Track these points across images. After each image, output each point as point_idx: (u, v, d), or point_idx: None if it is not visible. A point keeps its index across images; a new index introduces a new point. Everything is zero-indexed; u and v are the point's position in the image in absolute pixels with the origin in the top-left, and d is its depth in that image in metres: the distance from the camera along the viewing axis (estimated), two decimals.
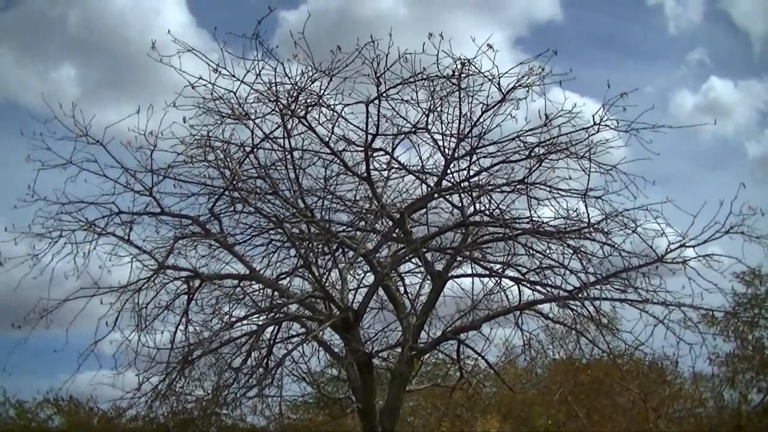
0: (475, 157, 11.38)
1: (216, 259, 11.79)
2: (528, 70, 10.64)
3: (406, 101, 11.17)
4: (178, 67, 9.95)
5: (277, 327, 11.59)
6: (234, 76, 10.32)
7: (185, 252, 11.49)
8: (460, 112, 11.22)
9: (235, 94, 10.54)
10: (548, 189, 11.10)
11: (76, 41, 45.18)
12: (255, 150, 10.98)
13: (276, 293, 11.30)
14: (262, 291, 11.69)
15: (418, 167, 11.87)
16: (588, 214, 10.69)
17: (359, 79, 10.48)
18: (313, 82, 10.54)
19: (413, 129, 11.41)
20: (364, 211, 12.15)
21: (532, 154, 10.98)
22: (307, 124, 10.85)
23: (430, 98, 11.20)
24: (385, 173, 12.03)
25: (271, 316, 11.11)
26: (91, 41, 42.89)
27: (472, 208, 11.23)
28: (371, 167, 11.29)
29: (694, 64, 48.94)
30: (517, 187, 11.16)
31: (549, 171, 11.01)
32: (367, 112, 10.68)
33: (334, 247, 11.59)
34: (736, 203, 9.86)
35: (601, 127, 10.62)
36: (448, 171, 11.48)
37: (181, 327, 10.97)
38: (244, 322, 10.84)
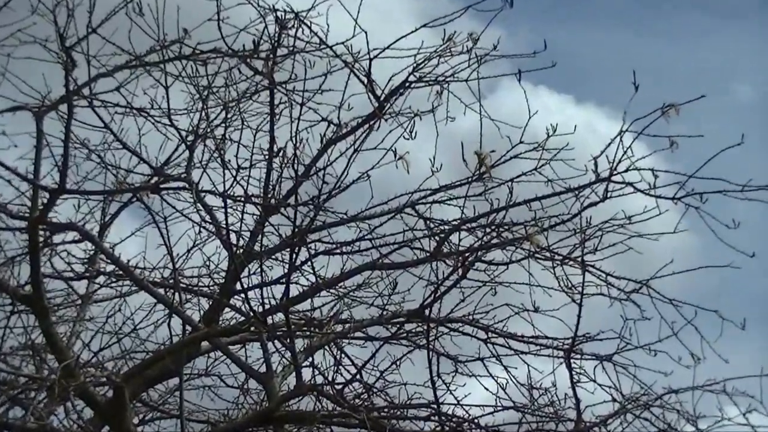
0: (305, 254, 4.99)
1: None
2: (445, 43, 4.83)
3: (140, 111, 5.03)
4: None
5: None
6: None
7: None
8: (272, 140, 4.98)
9: None
10: (484, 335, 5.00)
11: None
12: None
13: None
14: None
15: (166, 273, 5.52)
16: (578, 402, 4.59)
17: (26, 49, 4.67)
18: None
19: (158, 180, 5.18)
20: (26, 380, 5.39)
21: (445, 249, 4.80)
22: None
23: (202, 106, 5.09)
24: (80, 287, 5.64)
25: None
26: None
27: (296, 376, 4.74)
28: (44, 264, 5.08)
29: None
30: (407, 330, 5.02)
31: (486, 291, 4.89)
32: (40, 133, 4.60)
33: None
34: None
35: (611, 188, 4.65)
36: (240, 283, 5.08)
37: None
38: None
